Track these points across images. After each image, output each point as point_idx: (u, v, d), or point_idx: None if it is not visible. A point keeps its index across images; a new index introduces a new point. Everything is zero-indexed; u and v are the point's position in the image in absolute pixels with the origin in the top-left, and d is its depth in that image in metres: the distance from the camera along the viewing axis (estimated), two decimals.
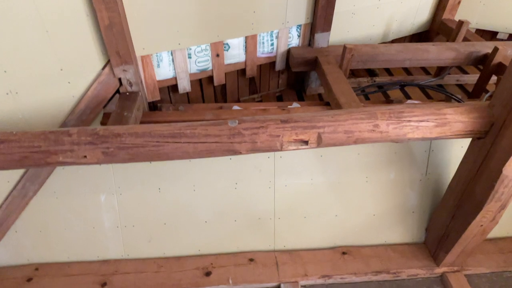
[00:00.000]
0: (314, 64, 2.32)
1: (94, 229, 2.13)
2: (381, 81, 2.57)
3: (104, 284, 2.09)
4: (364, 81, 2.64)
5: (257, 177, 2.10)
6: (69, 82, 1.77)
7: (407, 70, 2.91)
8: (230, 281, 2.08)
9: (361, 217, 2.27)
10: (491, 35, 3.04)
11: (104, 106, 1.93)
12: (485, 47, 2.40)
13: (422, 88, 2.59)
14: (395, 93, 2.57)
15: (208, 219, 2.17)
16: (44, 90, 1.74)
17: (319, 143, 1.58)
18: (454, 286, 2.09)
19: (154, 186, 2.06)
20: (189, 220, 2.16)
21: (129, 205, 2.10)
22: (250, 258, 2.23)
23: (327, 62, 2.19)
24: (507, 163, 1.57)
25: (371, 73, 2.89)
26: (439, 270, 2.18)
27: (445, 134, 1.64)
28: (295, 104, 2.06)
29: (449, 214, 2.01)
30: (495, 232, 2.34)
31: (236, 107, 1.97)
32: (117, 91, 1.92)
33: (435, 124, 1.59)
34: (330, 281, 2.14)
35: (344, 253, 2.27)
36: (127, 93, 1.90)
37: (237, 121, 1.51)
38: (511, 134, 1.51)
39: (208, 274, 2.12)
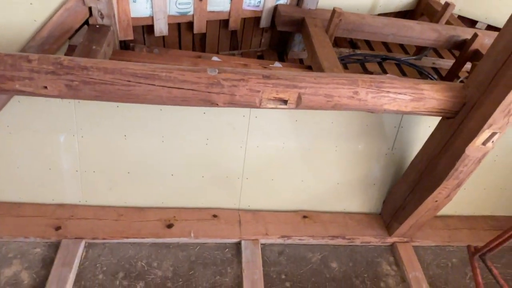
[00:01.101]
0: (300, 25, 2.24)
1: (50, 170, 2.01)
2: (363, 53, 2.56)
3: (59, 228, 2.01)
4: (346, 51, 2.61)
5: (230, 135, 2.06)
6: (31, 4, 1.57)
7: (387, 47, 2.92)
8: (192, 235, 2.08)
9: (326, 184, 2.33)
10: (470, 23, 3.10)
11: (70, 38, 1.75)
12: (465, 33, 2.45)
13: (399, 65, 2.62)
14: (372, 67, 2.58)
15: (175, 172, 2.12)
16: (1, 9, 1.53)
17: (298, 104, 1.56)
18: (402, 255, 2.24)
19: (120, 131, 1.95)
20: (155, 171, 2.10)
21: (90, 148, 1.98)
22: (214, 214, 2.23)
23: (314, 25, 2.12)
24: (471, 144, 1.64)
25: (353, 46, 2.86)
26: (390, 240, 2.32)
27: (419, 110, 1.67)
28: (277, 64, 2.00)
29: (408, 188, 2.11)
30: (443, 210, 2.51)
31: (215, 58, 1.87)
32: (86, 23, 1.74)
33: (412, 98, 1.61)
34: (289, 241, 2.21)
35: (305, 216, 2.34)
36: (97, 26, 1.72)
37: (217, 70, 1.44)
38: (480, 116, 1.58)
39: (169, 226, 2.11)
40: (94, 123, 1.90)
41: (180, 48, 2.35)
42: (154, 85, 1.38)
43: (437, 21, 2.59)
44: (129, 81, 1.38)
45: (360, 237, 2.28)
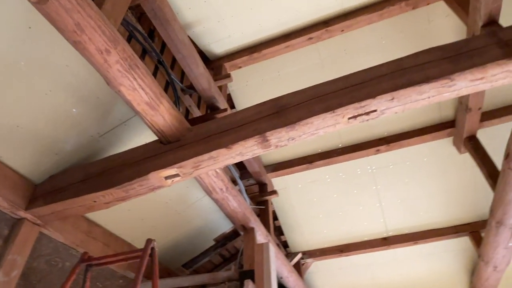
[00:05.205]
0: None
1: None
2: (153, 47, 2.48)
3: None
4: (140, 31, 2.46)
5: None
6: None
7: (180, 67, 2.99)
8: None
9: (8, 119, 1.82)
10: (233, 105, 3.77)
11: None
12: (223, 104, 2.90)
13: (175, 89, 2.69)
14: (149, 63, 2.52)
15: None
16: None
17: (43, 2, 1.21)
18: (21, 233, 1.94)
19: None
20: None
21: None
22: None
23: None
24: (157, 171, 1.75)
25: (151, 34, 2.74)
26: (23, 214, 1.98)
27: (146, 116, 1.68)
28: None
29: (84, 176, 1.95)
30: (129, 219, 2.50)
31: None
32: None
33: (148, 101, 1.61)
34: None
35: None
36: None
37: None
38: (180, 155, 1.74)
39: None
40: None
41: None
42: None
43: (215, 80, 2.96)
44: None
45: None
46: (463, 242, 3.94)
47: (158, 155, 1.81)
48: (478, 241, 3.64)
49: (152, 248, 1.61)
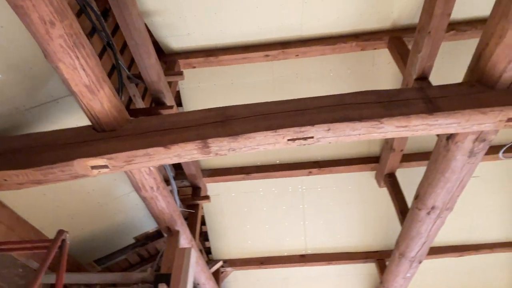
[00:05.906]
0: None
1: None
2: (106, 29, 2.34)
3: None
4: (96, 12, 2.31)
5: None
6: None
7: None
8: None
9: None
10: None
11: None
12: (170, 100, 2.84)
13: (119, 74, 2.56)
14: (97, 43, 2.38)
15: None
16: None
17: None
18: None
19: None
20: None
21: None
22: None
23: None
24: (85, 159, 1.64)
25: (105, 13, 2.59)
26: None
27: (82, 99, 1.58)
28: None
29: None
30: (8, 200, 2.25)
31: None
32: None
33: (88, 84, 1.52)
34: None
35: None
36: None
37: None
38: (113, 146, 1.66)
39: None
40: None
41: None
42: None
43: (166, 75, 2.88)
44: None
45: None
46: (370, 268, 4.30)
47: (88, 141, 1.70)
48: (382, 268, 4.00)
49: (63, 240, 1.50)
